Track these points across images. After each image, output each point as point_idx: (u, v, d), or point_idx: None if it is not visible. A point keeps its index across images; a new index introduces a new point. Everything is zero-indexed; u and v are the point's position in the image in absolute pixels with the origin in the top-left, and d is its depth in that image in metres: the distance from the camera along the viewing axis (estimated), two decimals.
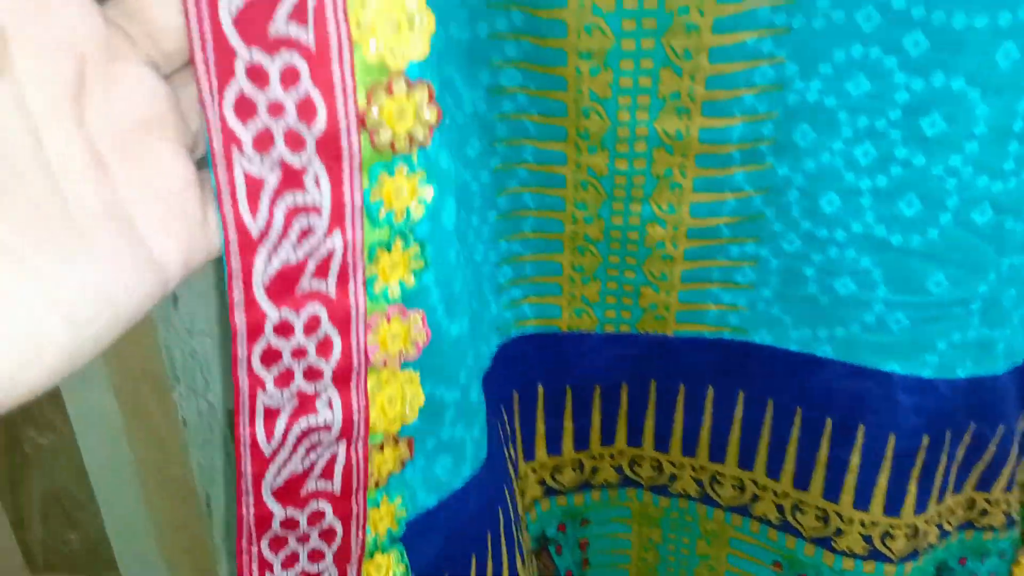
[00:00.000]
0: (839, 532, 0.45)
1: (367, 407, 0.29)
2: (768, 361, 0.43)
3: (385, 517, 0.33)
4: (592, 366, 0.46)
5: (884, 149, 0.37)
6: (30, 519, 0.52)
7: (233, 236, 0.25)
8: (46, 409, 0.49)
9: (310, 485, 0.30)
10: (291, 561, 0.31)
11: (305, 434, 0.28)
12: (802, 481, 0.45)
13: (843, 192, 0.38)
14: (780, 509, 0.47)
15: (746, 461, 0.47)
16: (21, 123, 0.21)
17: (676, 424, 0.47)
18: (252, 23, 0.23)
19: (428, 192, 0.29)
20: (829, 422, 0.43)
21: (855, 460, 0.43)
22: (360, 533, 0.32)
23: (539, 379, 0.47)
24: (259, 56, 0.24)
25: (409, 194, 0.28)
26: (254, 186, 0.25)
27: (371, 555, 0.33)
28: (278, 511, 0.29)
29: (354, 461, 0.30)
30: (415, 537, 0.35)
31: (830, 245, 0.40)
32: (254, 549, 0.30)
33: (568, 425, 0.48)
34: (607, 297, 0.44)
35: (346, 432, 0.29)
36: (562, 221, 0.42)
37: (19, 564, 0.53)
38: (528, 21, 0.37)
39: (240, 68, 0.24)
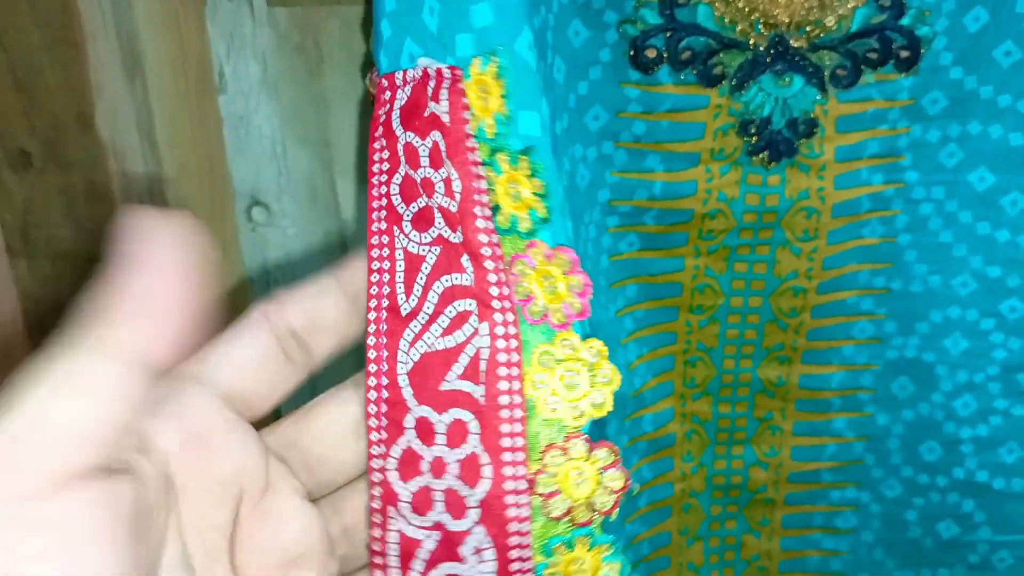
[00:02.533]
0: None
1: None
2: None
3: None
4: None
5: (983, 401, 0.39)
6: None
7: None
8: None
9: None
10: None
11: None
12: None
13: (944, 441, 0.40)
14: None
15: None
16: None
17: None
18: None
19: (615, 568, 0.26)
20: None
21: None
22: None
23: None
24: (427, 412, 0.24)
25: (591, 572, 0.25)
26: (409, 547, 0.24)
27: None
28: None
29: None
30: None
31: (932, 491, 0.41)
32: None
33: None
34: (710, 556, 0.44)
35: None
36: (672, 483, 0.42)
37: None
38: (644, 289, 0.39)
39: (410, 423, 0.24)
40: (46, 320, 0.46)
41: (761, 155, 0.37)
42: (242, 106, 0.41)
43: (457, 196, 0.25)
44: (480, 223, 0.24)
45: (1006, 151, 0.36)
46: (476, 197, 0.25)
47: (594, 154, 0.36)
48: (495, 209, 0.25)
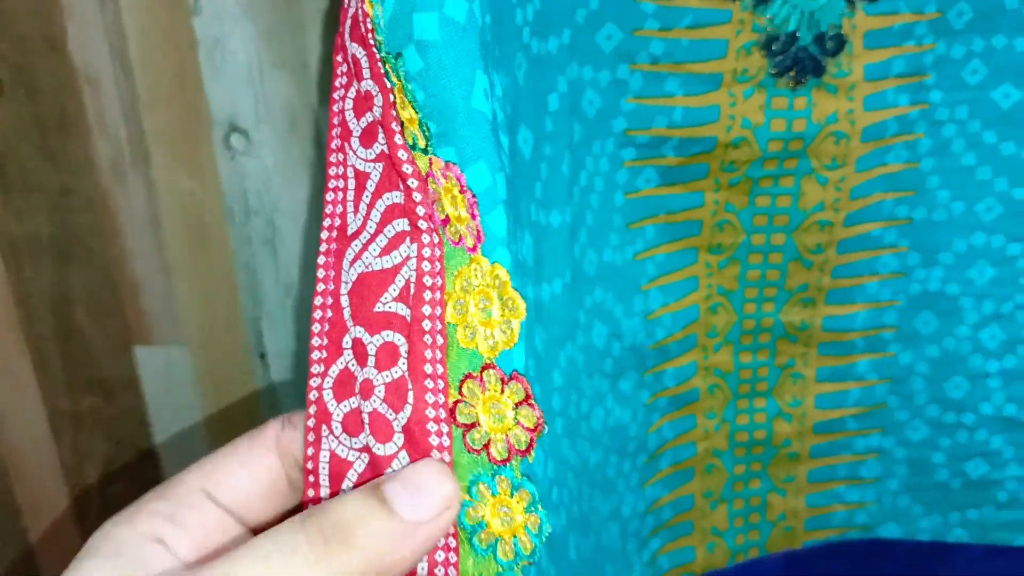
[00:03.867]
0: None
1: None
2: (898, 555, 0.41)
3: None
4: None
5: (1012, 331, 0.37)
6: None
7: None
8: None
9: None
10: None
11: None
12: None
13: (970, 376, 0.38)
14: None
15: None
16: None
17: None
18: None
19: (536, 521, 0.24)
20: None
21: None
22: None
23: None
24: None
25: (516, 522, 0.24)
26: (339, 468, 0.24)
27: None
28: None
29: None
30: None
31: (959, 429, 0.39)
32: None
33: None
34: (735, 519, 0.41)
35: None
36: (695, 442, 0.39)
37: None
38: (664, 230, 0.36)
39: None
40: (21, 256, 0.43)
41: (787, 76, 0.34)
42: (217, 29, 0.37)
43: (378, 111, 0.23)
44: (397, 139, 0.23)
45: None
46: (392, 111, 0.23)
47: (607, 78, 0.33)
48: (402, 124, 0.23)
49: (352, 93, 0.25)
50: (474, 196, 0.22)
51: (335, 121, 0.25)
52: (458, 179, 0.22)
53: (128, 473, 0.48)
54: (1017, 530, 0.40)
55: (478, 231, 0.23)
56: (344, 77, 0.25)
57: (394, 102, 0.22)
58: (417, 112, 0.22)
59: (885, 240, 0.37)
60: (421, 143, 0.22)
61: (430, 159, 0.22)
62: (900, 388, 0.39)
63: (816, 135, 0.35)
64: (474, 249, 0.23)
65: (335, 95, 0.25)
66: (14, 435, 0.47)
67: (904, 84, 0.35)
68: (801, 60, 0.34)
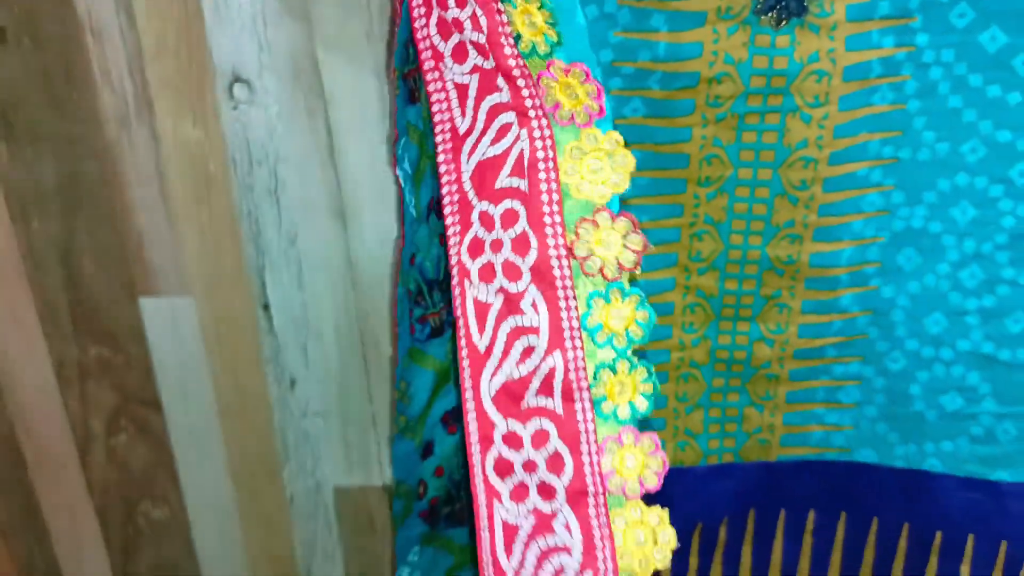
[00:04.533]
0: None
1: (611, 537, 0.29)
2: (873, 479, 0.43)
3: None
4: (694, 503, 0.45)
5: (991, 271, 0.39)
6: None
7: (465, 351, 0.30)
8: (162, 483, 0.50)
9: None
10: None
11: (545, 555, 0.29)
12: None
13: (949, 313, 0.40)
14: None
15: None
16: None
17: (775, 555, 0.46)
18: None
19: (644, 315, 0.30)
20: (939, 535, 0.43)
21: (965, 570, 0.43)
22: None
23: None
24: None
25: (627, 318, 0.30)
26: (482, 309, 0.30)
27: None
28: None
29: None
30: None
31: (936, 363, 0.41)
32: None
33: None
34: (710, 426, 0.43)
35: (589, 563, 0.29)
36: (669, 350, 0.42)
37: None
38: (649, 157, 0.38)
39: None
40: (28, 206, 0.46)
41: (770, 14, 0.35)
42: None
43: (484, 29, 0.30)
44: (507, 50, 0.30)
45: (1019, 9, 0.35)
46: (501, 29, 0.30)
47: (595, 12, 0.36)
48: (517, 38, 0.30)
49: (434, 20, 0.32)
50: (599, 84, 0.30)
51: (423, 46, 0.32)
52: (585, 72, 0.30)
53: (133, 424, 0.49)
54: (991, 464, 0.42)
55: (600, 108, 0.30)
56: (423, 7, 0.32)
57: (507, 21, 0.30)
58: (550, 23, 0.30)
59: (871, 179, 0.39)
60: (543, 49, 0.30)
61: (548, 62, 0.30)
62: (881, 320, 0.41)
63: (798, 73, 0.36)
64: (588, 123, 0.30)
65: (416, 24, 0.32)
66: (21, 386, 0.48)
67: (889, 26, 0.36)
68: (784, 0, 0.35)
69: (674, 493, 0.45)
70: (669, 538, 0.30)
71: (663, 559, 0.30)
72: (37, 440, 0.49)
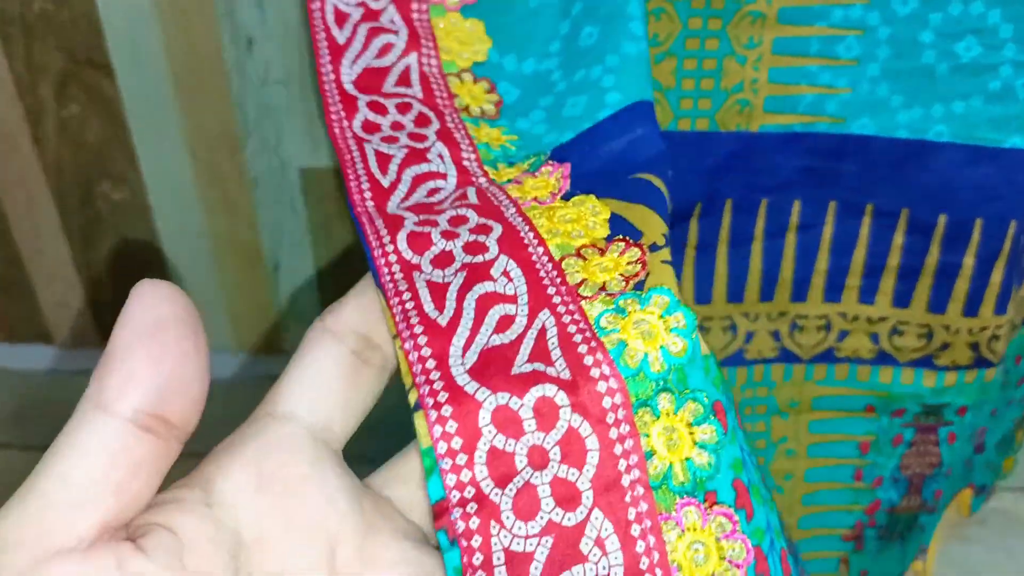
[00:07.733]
0: (945, 347, 0.40)
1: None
2: (869, 155, 0.38)
3: None
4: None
5: None
6: (100, 277, 0.52)
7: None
8: (120, 162, 0.48)
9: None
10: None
11: None
12: (903, 299, 0.40)
13: None
14: (874, 338, 0.41)
15: (833, 291, 0.41)
16: None
17: (754, 258, 0.41)
18: None
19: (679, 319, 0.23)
20: (943, 219, 0.38)
21: (969, 261, 0.38)
22: None
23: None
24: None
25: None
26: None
27: None
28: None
29: None
30: None
31: (952, 2, 0.35)
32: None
33: None
34: (684, 80, 0.38)
35: None
36: None
37: (89, 325, 0.53)
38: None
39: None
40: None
41: None
42: None
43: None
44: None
45: None
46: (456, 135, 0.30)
47: None
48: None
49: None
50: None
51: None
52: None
53: (84, 93, 0.47)
54: (1006, 129, 0.36)
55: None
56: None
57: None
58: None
59: None
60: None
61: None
62: None
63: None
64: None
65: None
66: None
67: None
68: None
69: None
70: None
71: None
72: None
